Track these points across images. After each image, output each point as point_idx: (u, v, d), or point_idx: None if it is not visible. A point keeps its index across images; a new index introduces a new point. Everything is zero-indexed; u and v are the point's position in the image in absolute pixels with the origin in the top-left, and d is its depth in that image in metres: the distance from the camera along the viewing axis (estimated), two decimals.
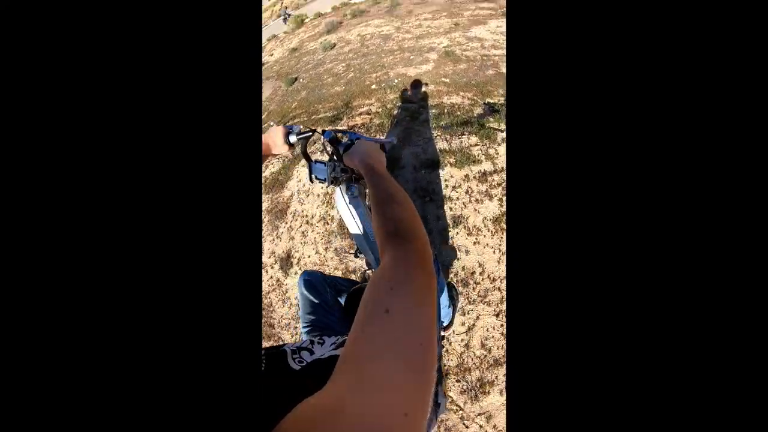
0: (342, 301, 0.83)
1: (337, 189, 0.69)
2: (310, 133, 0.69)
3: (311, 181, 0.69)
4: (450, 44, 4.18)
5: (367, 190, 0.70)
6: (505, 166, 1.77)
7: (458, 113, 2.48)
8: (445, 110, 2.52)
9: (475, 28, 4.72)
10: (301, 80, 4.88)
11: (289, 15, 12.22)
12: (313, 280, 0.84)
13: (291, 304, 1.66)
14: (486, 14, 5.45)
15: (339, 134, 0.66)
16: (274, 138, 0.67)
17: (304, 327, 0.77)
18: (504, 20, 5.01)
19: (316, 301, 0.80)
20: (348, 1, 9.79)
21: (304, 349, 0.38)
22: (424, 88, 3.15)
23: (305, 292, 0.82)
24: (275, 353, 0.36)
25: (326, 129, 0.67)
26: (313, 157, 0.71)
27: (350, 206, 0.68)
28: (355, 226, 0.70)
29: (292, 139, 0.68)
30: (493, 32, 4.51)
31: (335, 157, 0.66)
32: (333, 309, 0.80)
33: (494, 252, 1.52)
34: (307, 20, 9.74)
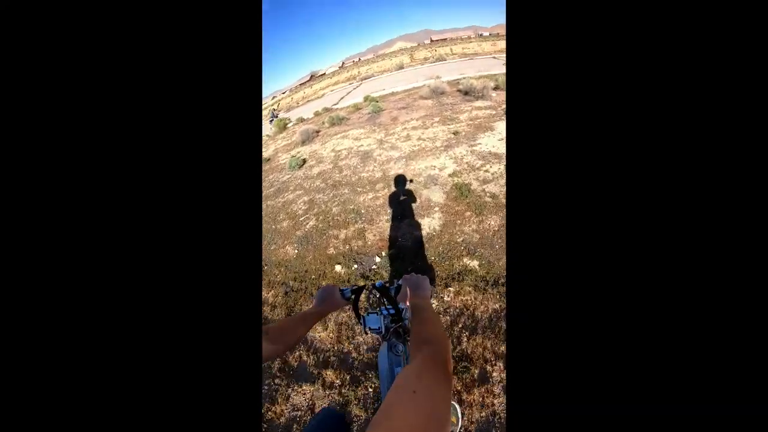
0: None
1: (383, 345, 0.82)
2: (363, 289, 0.85)
3: (365, 333, 0.98)
4: (458, 170, 2.87)
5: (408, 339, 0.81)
6: None
7: None
8: None
9: (482, 138, 3.56)
10: None
11: (276, 116, 12.16)
12: (328, 419, 0.84)
13: None
14: (486, 115, 4.47)
15: (386, 283, 0.83)
16: (332, 295, 0.78)
17: None
18: None
19: None
20: (330, 107, 9.54)
21: None
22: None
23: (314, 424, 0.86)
24: None
25: (375, 282, 0.83)
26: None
27: (392, 364, 0.78)
28: (388, 384, 0.79)
29: (347, 294, 0.81)
30: None
31: (384, 306, 0.81)
32: None
33: None
34: (289, 124, 9.32)
